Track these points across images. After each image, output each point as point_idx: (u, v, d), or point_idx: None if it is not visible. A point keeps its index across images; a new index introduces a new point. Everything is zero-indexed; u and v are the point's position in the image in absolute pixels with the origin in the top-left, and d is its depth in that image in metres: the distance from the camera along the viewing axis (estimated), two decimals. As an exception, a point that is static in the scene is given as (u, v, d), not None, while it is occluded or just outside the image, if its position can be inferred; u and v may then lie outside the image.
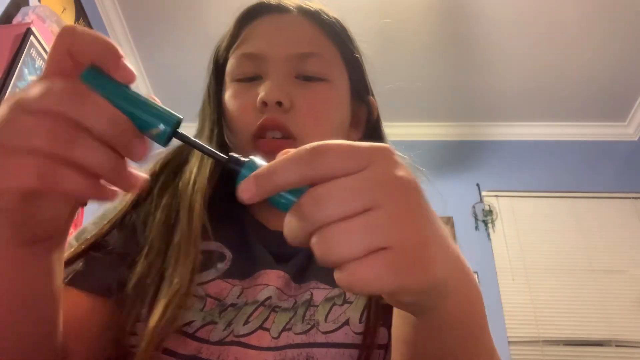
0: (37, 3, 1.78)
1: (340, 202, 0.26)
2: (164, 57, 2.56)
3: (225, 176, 0.59)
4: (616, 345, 2.34)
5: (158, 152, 0.63)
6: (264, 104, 0.55)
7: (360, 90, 0.65)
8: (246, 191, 0.28)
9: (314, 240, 0.27)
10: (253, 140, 0.56)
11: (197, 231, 0.51)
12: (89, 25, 2.12)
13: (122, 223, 0.54)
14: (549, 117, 2.85)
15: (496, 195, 2.77)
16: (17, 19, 1.65)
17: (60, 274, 0.39)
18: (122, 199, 0.57)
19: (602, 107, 2.75)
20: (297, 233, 0.28)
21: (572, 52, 2.44)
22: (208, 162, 0.57)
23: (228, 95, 0.60)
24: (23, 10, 1.68)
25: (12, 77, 1.44)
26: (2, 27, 1.57)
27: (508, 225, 2.68)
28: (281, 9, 0.62)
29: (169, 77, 2.64)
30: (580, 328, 2.40)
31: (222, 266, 0.54)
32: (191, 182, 0.55)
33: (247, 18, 0.63)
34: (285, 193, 0.28)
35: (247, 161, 0.30)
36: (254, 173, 0.28)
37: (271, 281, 0.53)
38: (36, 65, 1.56)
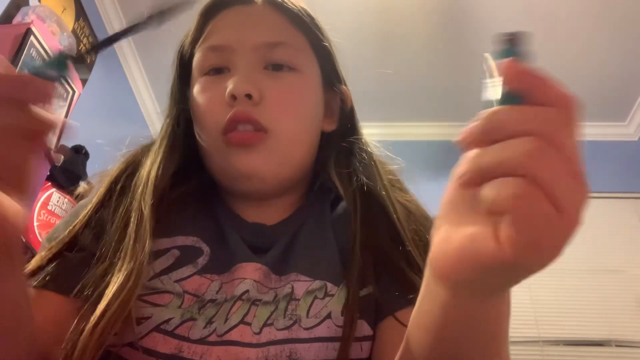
0: (37, 3, 1.78)
1: (544, 124, 0.25)
2: (164, 56, 2.53)
3: (197, 169, 0.59)
4: (616, 345, 2.34)
5: (122, 154, 0.62)
6: (233, 97, 0.54)
7: (332, 79, 0.64)
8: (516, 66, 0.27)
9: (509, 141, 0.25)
10: (223, 134, 0.54)
11: (146, 231, 0.50)
12: (89, 25, 2.11)
13: (91, 221, 0.54)
14: (549, 117, 2.84)
15: (496, 195, 2.76)
16: (17, 19, 1.65)
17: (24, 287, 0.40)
18: (91, 198, 0.57)
19: (602, 107, 2.75)
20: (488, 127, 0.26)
21: (571, 52, 2.44)
22: (158, 160, 0.56)
23: (196, 90, 0.59)
24: (23, 10, 1.68)
25: (12, 77, 1.44)
26: (2, 27, 1.57)
27: (508, 225, 2.68)
28: (246, 1, 0.61)
29: (169, 77, 2.64)
30: (580, 328, 2.39)
31: (200, 261, 0.53)
32: (142, 182, 0.55)
33: (212, 11, 0.61)
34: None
35: None
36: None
37: (248, 274, 0.52)
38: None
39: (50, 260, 0.51)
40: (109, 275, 0.48)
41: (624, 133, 2.86)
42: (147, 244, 0.49)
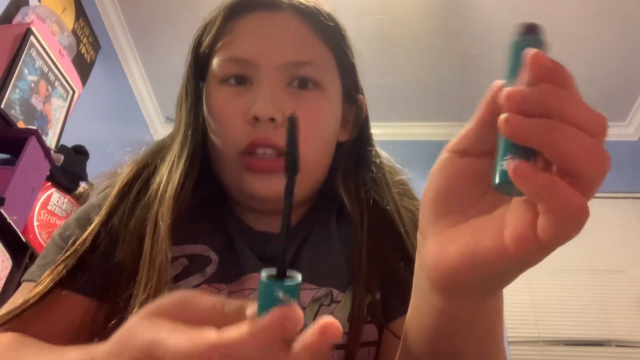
0: (37, 3, 1.78)
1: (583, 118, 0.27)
2: (164, 56, 2.55)
3: (208, 177, 0.58)
4: (616, 345, 2.34)
5: (131, 156, 0.61)
6: (256, 118, 0.52)
7: (351, 90, 0.62)
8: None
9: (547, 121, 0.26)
10: (241, 155, 0.53)
11: (162, 251, 0.48)
12: (89, 25, 2.11)
13: (106, 227, 0.53)
14: (549, 117, 2.84)
15: (496, 195, 2.76)
16: (17, 19, 1.65)
17: None
18: (102, 201, 0.56)
19: (602, 107, 2.68)
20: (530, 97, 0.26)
21: (571, 53, 2.44)
22: (177, 173, 0.54)
23: (215, 100, 0.56)
24: (23, 10, 1.68)
25: (12, 77, 1.44)
26: (2, 27, 1.57)
27: (508, 225, 2.68)
28: (273, 6, 0.56)
29: (169, 77, 2.64)
30: (580, 328, 2.39)
31: (209, 270, 0.53)
32: (159, 195, 0.52)
33: (235, 11, 0.57)
34: None
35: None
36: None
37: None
38: (36, 65, 1.56)
39: (75, 264, 0.50)
40: (129, 295, 0.48)
41: (624, 133, 2.87)
42: (163, 266, 0.48)
